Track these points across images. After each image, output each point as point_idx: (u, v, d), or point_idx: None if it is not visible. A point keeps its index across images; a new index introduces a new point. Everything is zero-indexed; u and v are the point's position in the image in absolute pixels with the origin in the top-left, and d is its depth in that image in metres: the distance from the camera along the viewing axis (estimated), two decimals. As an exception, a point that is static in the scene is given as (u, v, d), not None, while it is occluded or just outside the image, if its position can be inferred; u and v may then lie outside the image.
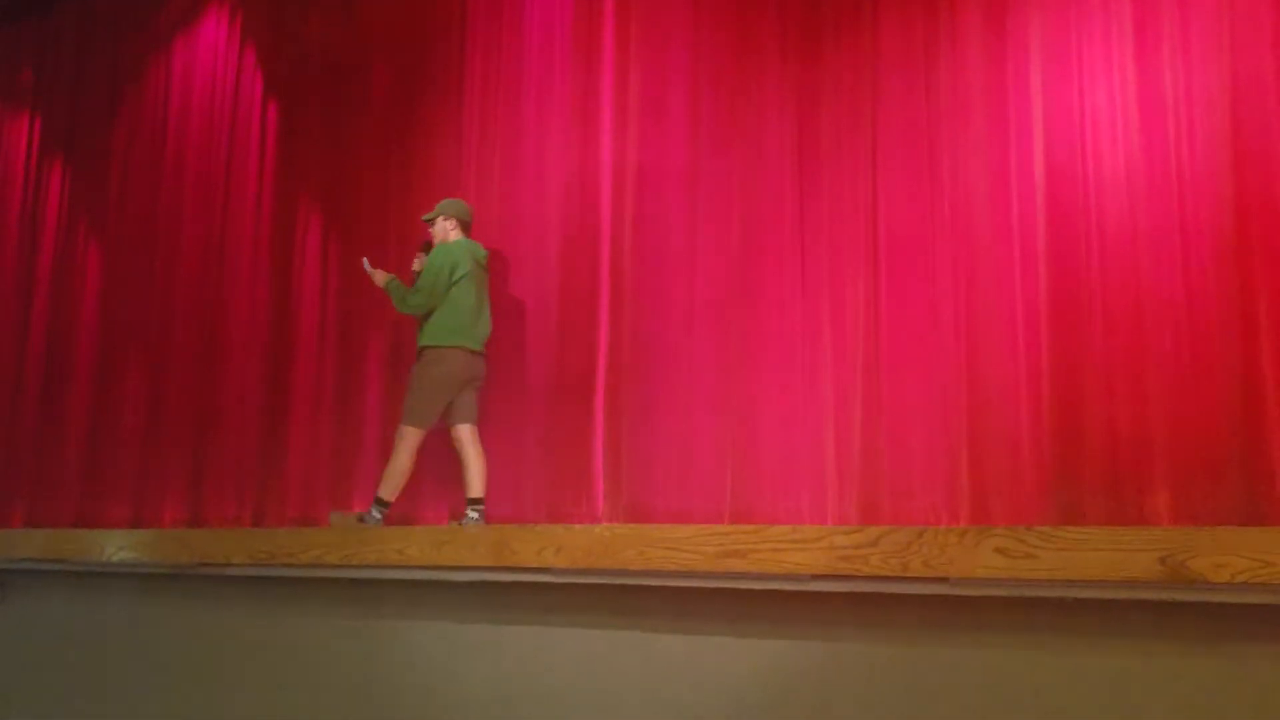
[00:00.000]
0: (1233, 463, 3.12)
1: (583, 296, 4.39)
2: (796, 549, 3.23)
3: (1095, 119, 3.51)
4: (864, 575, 3.12)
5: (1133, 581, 2.78)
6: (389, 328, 4.89)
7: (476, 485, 4.29)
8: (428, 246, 4.57)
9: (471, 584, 3.93)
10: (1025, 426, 3.45)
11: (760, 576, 3.30)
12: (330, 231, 5.26)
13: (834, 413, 3.77)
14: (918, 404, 3.64)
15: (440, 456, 4.46)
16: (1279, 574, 2.63)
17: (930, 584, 3.06)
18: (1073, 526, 3.03)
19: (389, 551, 4.05)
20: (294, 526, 4.89)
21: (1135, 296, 3.35)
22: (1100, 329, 3.39)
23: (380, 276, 4.54)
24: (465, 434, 4.35)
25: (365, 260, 4.61)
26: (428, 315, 4.37)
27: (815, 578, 3.20)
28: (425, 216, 4.59)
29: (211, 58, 5.88)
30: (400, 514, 4.53)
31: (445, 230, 4.54)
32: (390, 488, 4.35)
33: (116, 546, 4.98)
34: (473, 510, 4.26)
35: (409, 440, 4.33)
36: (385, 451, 4.59)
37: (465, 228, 4.57)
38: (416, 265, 4.57)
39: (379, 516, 4.34)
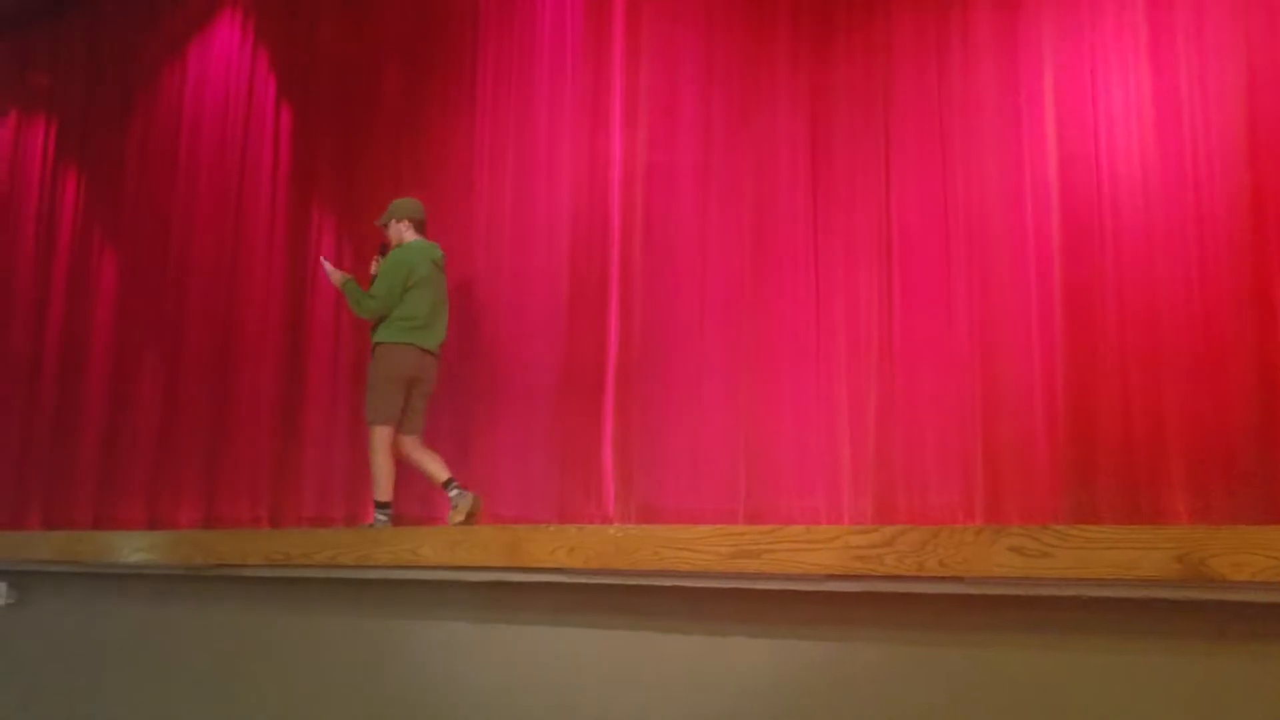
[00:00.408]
0: (1250, 460, 3.10)
1: (594, 295, 4.39)
2: (811, 549, 3.22)
3: (1109, 114, 3.49)
4: (879, 575, 3.10)
5: (1149, 580, 2.76)
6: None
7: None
8: (385, 249, 4.56)
9: (485, 584, 3.93)
10: (1040, 425, 3.43)
11: (775, 577, 3.29)
12: (344, 233, 5.28)
13: (848, 412, 3.75)
14: (932, 402, 3.62)
15: (447, 455, 4.47)
16: (1298, 572, 2.61)
17: (945, 583, 3.04)
18: (1088, 525, 3.00)
19: (403, 552, 4.05)
20: (309, 527, 4.91)
21: (1150, 293, 3.33)
22: (1115, 326, 3.37)
23: (337, 276, 4.54)
24: (408, 446, 4.37)
25: (324, 259, 4.62)
26: (385, 316, 4.37)
27: (830, 578, 3.19)
28: (378, 221, 4.59)
29: (225, 60, 5.91)
30: (414, 515, 4.54)
31: (400, 232, 4.53)
32: (381, 489, 4.35)
33: (132, 548, 5.01)
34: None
35: (379, 439, 4.33)
36: (397, 451, 4.60)
37: (419, 227, 4.55)
38: (374, 268, 4.55)
39: (385, 519, 4.35)
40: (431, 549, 3.98)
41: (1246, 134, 3.25)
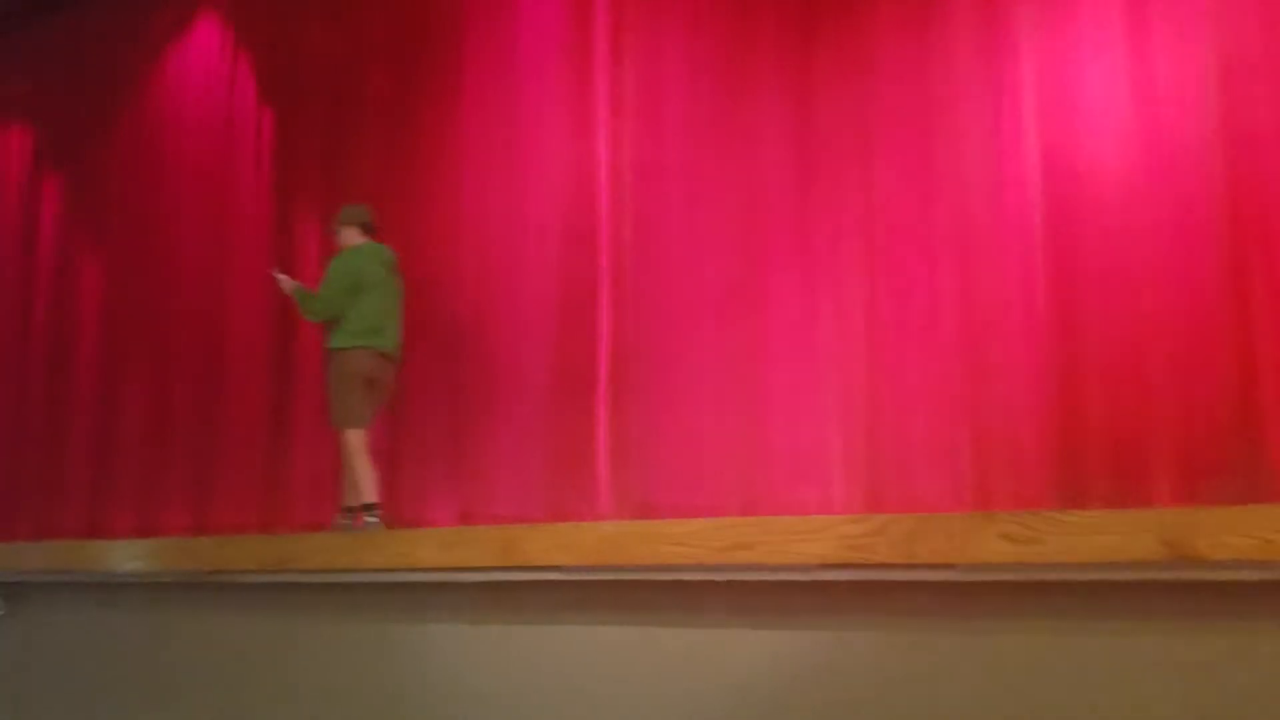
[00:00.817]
0: (1232, 443, 3.15)
1: (584, 293, 4.41)
2: (804, 539, 3.25)
3: (1090, 107, 3.53)
4: (872, 564, 3.14)
5: (1137, 563, 2.81)
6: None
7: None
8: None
9: (481, 584, 3.94)
10: (1027, 412, 3.48)
11: (768, 568, 3.32)
12: (330, 236, 5.26)
13: (838, 403, 3.79)
14: (920, 392, 3.66)
15: (442, 456, 4.48)
16: (1279, 551, 2.66)
17: (937, 570, 3.08)
18: (1076, 510, 3.06)
19: (397, 554, 4.06)
20: (302, 532, 4.90)
21: (1134, 279, 3.38)
22: (1100, 313, 3.42)
23: (289, 285, 4.59)
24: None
25: (275, 270, 4.65)
26: (336, 320, 4.39)
27: (823, 567, 3.23)
28: (331, 228, 4.62)
29: (206, 64, 5.88)
30: (407, 517, 4.55)
31: (348, 237, 4.57)
32: (365, 491, 4.32)
33: (125, 557, 4.99)
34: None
35: (353, 443, 4.33)
36: (391, 453, 4.62)
37: (368, 230, 4.58)
38: None
39: (375, 520, 4.32)
40: (426, 550, 3.99)
41: (1224, 125, 3.30)
